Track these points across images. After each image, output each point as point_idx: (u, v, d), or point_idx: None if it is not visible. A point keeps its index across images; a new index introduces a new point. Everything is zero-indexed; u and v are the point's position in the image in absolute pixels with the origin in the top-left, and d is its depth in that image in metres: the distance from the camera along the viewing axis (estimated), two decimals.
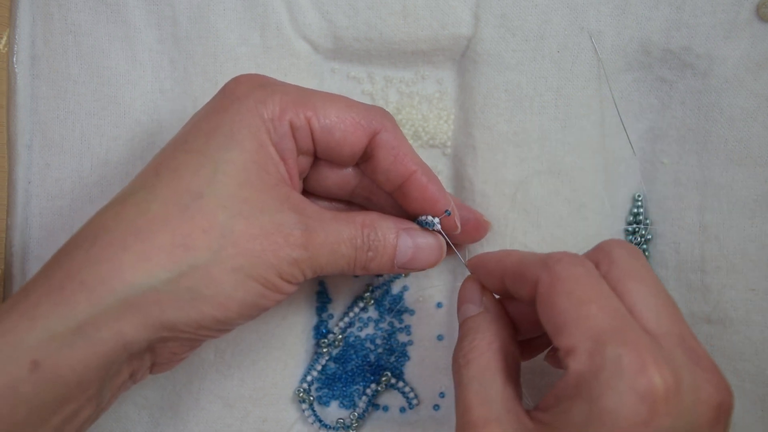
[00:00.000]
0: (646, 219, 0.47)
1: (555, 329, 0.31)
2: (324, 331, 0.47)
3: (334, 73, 0.47)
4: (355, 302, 0.47)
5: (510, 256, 0.36)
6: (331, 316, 0.47)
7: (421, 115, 0.47)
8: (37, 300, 0.32)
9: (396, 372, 0.47)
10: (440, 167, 0.47)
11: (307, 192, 0.42)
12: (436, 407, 0.47)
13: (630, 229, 0.47)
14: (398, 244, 0.39)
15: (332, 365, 0.47)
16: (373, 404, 0.47)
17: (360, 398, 0.47)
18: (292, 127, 0.37)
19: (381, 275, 0.47)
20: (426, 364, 0.47)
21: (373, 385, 0.46)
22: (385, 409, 0.47)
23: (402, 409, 0.47)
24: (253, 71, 0.40)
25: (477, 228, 0.44)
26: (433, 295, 0.47)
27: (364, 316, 0.47)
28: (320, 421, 0.46)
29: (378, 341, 0.47)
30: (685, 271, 0.45)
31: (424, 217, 0.41)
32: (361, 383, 0.47)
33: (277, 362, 0.45)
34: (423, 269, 0.41)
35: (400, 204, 0.41)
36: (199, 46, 0.45)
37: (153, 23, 0.45)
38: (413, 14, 0.45)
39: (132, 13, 0.45)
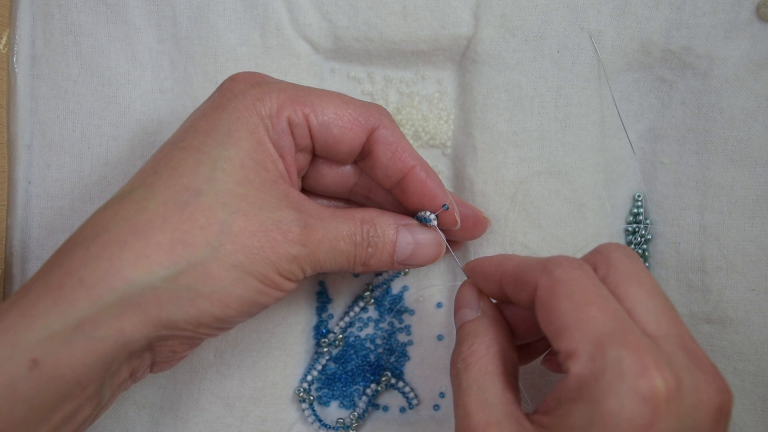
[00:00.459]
0: (646, 219, 0.47)
1: (555, 332, 0.31)
2: (324, 331, 0.47)
3: (334, 73, 0.47)
4: (355, 302, 0.47)
5: (508, 261, 0.36)
6: (331, 316, 0.47)
7: (421, 115, 0.47)
8: (36, 298, 0.32)
9: (396, 372, 0.47)
10: (440, 167, 0.47)
11: (306, 191, 0.42)
12: (436, 407, 0.47)
13: (630, 229, 0.47)
14: (398, 240, 0.39)
15: (332, 365, 0.47)
16: (373, 404, 0.47)
17: (360, 398, 0.47)
18: (290, 124, 0.37)
19: (380, 274, 0.47)
20: (426, 364, 0.47)
21: (373, 385, 0.46)
22: (385, 409, 0.47)
23: (402, 409, 0.47)
24: (253, 71, 0.40)
25: (476, 224, 0.44)
26: (433, 295, 0.47)
27: (364, 316, 0.47)
28: (320, 421, 0.46)
29: (378, 341, 0.47)
30: (685, 271, 0.45)
31: (423, 213, 0.41)
32: (361, 383, 0.47)
33: (277, 362, 0.45)
34: (423, 265, 0.41)
35: (399, 201, 0.41)
36: (200, 46, 0.45)
37: (153, 23, 0.45)
38: (413, 14, 0.45)
39: (132, 13, 0.45)
